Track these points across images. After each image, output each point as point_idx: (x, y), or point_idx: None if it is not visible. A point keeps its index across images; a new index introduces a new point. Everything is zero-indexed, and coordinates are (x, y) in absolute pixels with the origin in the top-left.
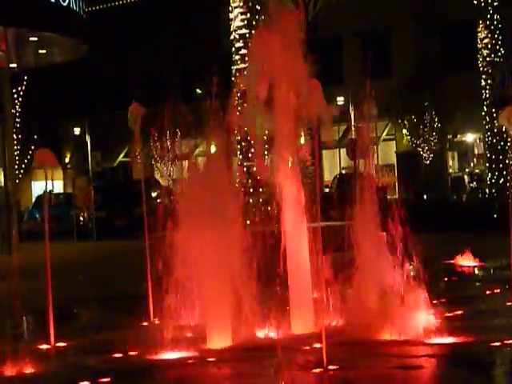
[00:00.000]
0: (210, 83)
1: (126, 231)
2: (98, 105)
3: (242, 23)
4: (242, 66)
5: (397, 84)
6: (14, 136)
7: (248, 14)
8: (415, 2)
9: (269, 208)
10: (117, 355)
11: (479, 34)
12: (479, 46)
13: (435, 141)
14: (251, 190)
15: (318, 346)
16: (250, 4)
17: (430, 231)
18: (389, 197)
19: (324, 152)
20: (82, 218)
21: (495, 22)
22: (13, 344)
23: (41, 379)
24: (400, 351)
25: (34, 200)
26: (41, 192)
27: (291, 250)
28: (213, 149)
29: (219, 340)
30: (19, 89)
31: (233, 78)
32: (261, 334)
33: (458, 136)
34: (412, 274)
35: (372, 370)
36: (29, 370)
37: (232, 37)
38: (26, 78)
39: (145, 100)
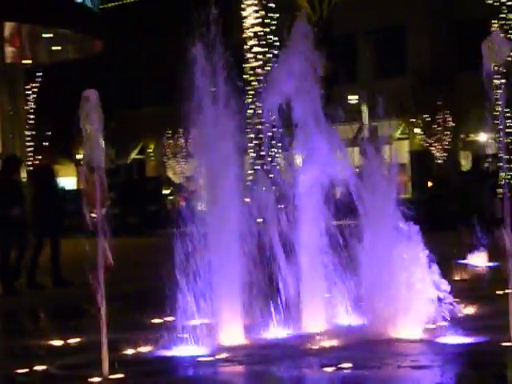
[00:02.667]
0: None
1: (138, 228)
2: (112, 102)
3: (255, 21)
4: (255, 64)
5: (411, 83)
6: (28, 132)
7: (261, 12)
8: (429, 0)
9: (281, 206)
10: (129, 352)
11: None
12: None
13: (448, 140)
14: (263, 189)
15: (329, 344)
16: (264, 2)
17: (442, 230)
18: (402, 196)
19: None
20: (94, 215)
21: (509, 22)
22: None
23: (51, 375)
24: (413, 350)
25: None
26: None
27: (304, 247)
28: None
29: (231, 337)
30: (33, 85)
31: (245, 76)
32: (273, 331)
33: (471, 135)
34: (427, 273)
35: (385, 369)
36: (39, 367)
37: (245, 35)
38: (39, 74)
39: (158, 97)
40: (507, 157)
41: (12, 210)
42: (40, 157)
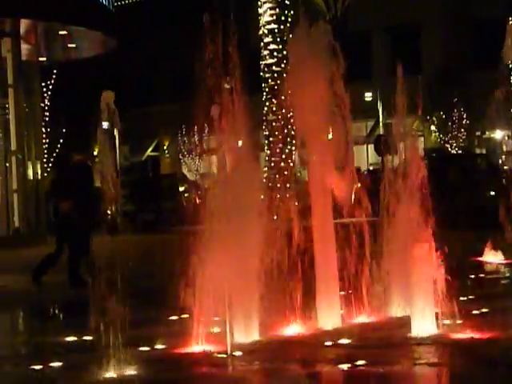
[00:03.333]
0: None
1: (153, 225)
2: (127, 99)
3: (270, 18)
4: (271, 61)
5: (426, 80)
6: (43, 129)
7: (277, 9)
8: None
9: (296, 203)
10: (144, 349)
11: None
12: (509, 42)
13: (463, 137)
14: (278, 185)
15: (345, 341)
16: None
17: (457, 228)
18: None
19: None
20: (109, 212)
21: None
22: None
23: (68, 371)
24: (427, 348)
25: None
26: None
27: (318, 244)
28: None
29: (246, 334)
30: (48, 82)
31: (261, 73)
32: (288, 328)
33: (487, 133)
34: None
35: (400, 366)
36: (55, 364)
37: (261, 32)
38: (55, 71)
39: (173, 94)
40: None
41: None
42: (77, 155)
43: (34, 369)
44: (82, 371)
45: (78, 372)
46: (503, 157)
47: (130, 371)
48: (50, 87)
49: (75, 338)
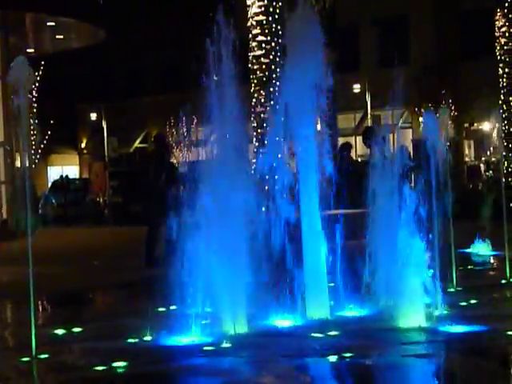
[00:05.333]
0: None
1: (141, 217)
2: (115, 90)
3: (259, 10)
4: (259, 52)
5: (414, 72)
6: (31, 121)
7: (265, 1)
8: None
9: (285, 195)
10: (132, 340)
11: (497, 23)
12: (497, 34)
13: (452, 129)
14: (267, 177)
15: (333, 333)
16: None
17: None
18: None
19: (340, 139)
20: (97, 204)
21: None
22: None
23: (56, 363)
24: (416, 339)
25: (49, 185)
26: (57, 177)
27: (307, 235)
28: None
29: (234, 326)
30: (36, 74)
31: (249, 65)
32: (276, 319)
33: (475, 124)
34: (428, 261)
35: (387, 358)
36: (44, 355)
37: (249, 23)
38: (42, 63)
39: (161, 86)
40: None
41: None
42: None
43: None
44: (71, 364)
45: (64, 364)
46: (491, 148)
47: (118, 363)
48: (38, 78)
49: (64, 330)
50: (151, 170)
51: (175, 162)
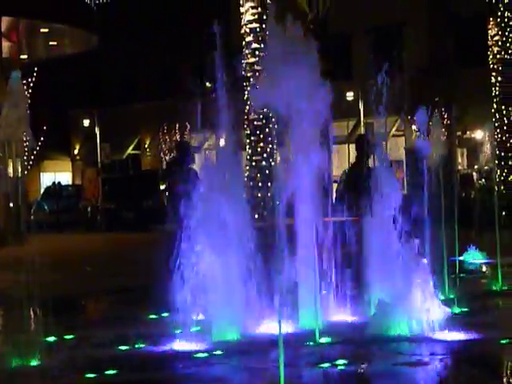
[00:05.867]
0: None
1: (133, 223)
2: (108, 97)
3: (252, 17)
4: (252, 60)
5: (407, 80)
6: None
7: (259, 9)
8: None
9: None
10: (123, 348)
11: (490, 31)
12: (490, 43)
13: (445, 137)
14: (260, 185)
15: (326, 341)
16: None
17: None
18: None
19: (333, 147)
20: (89, 210)
21: (506, 20)
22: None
23: (48, 371)
24: (408, 347)
25: (42, 191)
26: (49, 183)
27: (300, 244)
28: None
29: (226, 333)
30: (29, 80)
31: (243, 72)
32: (269, 327)
33: (468, 133)
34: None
35: (380, 365)
36: (35, 362)
37: (242, 31)
38: (36, 69)
39: (154, 92)
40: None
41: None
42: None
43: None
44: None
45: (59, 372)
46: (484, 157)
47: (111, 371)
48: (31, 85)
49: (55, 337)
50: (172, 178)
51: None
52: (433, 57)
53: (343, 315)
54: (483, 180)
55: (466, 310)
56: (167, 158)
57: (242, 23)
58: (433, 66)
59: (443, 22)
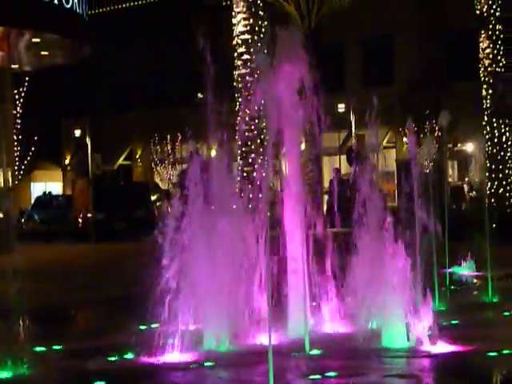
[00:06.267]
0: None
1: (124, 234)
2: (100, 107)
3: (244, 28)
4: (244, 71)
5: (398, 92)
6: (15, 137)
7: (250, 20)
8: (418, 10)
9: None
10: (113, 358)
11: (481, 44)
12: (481, 55)
13: (435, 149)
14: (251, 196)
15: (315, 352)
16: (253, 10)
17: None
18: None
19: (324, 158)
20: (80, 220)
21: (497, 32)
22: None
23: (36, 381)
24: (397, 359)
25: (33, 201)
26: (40, 193)
27: (290, 255)
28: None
29: (216, 344)
30: (21, 89)
31: (234, 83)
32: (259, 338)
33: (459, 145)
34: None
35: (370, 378)
36: (24, 373)
37: (234, 42)
38: (27, 78)
39: (146, 103)
40: (494, 167)
41: None
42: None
43: None
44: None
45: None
46: (474, 169)
47: (99, 382)
48: (22, 94)
49: (44, 348)
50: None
51: None
52: (424, 68)
53: (334, 327)
54: (474, 192)
55: (455, 322)
56: (158, 168)
57: (234, 34)
58: (424, 78)
59: (434, 35)
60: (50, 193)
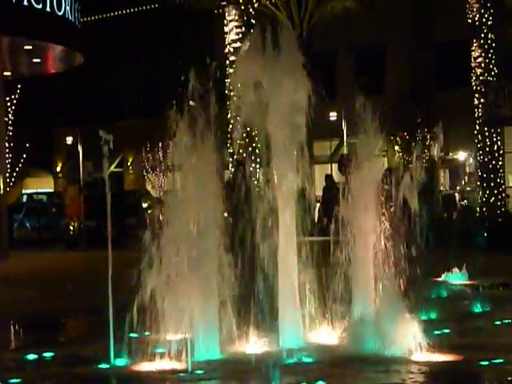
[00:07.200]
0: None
1: (115, 241)
2: (91, 115)
3: (236, 36)
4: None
5: (390, 100)
6: (6, 144)
7: (242, 28)
8: (410, 19)
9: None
10: (103, 366)
11: (473, 53)
12: (473, 64)
13: (427, 158)
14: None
15: (306, 361)
16: (245, 18)
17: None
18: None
19: (316, 167)
20: (71, 228)
21: (489, 41)
22: None
23: None
24: (388, 368)
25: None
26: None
27: (281, 263)
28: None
29: (207, 353)
30: (12, 97)
31: (226, 91)
32: (249, 347)
33: (450, 154)
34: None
35: None
36: (14, 380)
37: (226, 50)
38: (19, 86)
39: (137, 111)
40: (485, 175)
41: None
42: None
43: None
44: None
45: None
46: (465, 178)
47: None
48: (14, 102)
49: (35, 355)
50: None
51: None
52: (415, 77)
53: (324, 335)
54: (465, 201)
55: (446, 331)
56: (149, 176)
57: (226, 42)
58: (415, 86)
59: (424, 44)
60: (40, 200)
